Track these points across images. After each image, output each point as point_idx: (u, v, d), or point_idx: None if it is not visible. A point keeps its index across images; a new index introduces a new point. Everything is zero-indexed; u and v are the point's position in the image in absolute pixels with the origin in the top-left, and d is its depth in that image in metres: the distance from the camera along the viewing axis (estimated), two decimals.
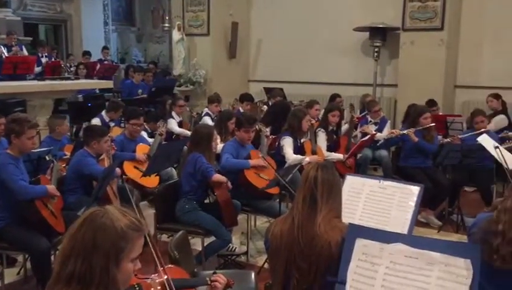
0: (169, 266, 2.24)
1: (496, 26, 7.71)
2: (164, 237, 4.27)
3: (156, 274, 1.86)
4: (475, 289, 1.70)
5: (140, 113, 5.32)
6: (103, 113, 6.37)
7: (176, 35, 9.53)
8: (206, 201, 4.35)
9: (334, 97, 7.49)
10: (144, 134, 5.71)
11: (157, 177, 4.92)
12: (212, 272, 2.08)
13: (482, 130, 5.22)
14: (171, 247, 2.72)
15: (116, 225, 1.50)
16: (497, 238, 2.10)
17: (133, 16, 15.50)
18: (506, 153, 4.32)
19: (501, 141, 5.35)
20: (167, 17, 10.64)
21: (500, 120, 6.53)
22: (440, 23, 7.65)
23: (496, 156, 4.35)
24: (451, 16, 7.68)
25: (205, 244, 3.91)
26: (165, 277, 1.78)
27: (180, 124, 6.68)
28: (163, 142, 5.54)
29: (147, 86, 9.18)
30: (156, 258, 1.75)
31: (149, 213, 4.61)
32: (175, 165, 5.43)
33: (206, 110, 6.96)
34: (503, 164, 4.04)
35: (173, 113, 6.71)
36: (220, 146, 4.95)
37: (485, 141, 4.62)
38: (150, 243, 1.66)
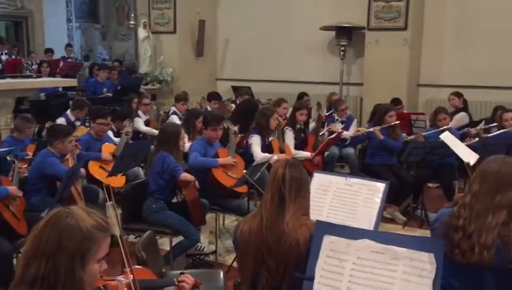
0: (136, 266, 2.21)
1: (456, 26, 7.94)
2: (131, 238, 4.21)
3: (122, 275, 1.84)
4: (438, 283, 1.74)
5: (107, 113, 5.22)
6: (68, 112, 6.22)
7: (142, 33, 9.41)
8: (174, 200, 4.32)
9: (301, 96, 7.55)
10: (110, 133, 5.61)
11: (124, 177, 4.84)
12: (179, 272, 2.07)
13: (444, 127, 5.37)
14: (138, 247, 2.68)
15: (81, 225, 1.47)
16: (458, 233, 2.16)
17: (97, 12, 15.17)
18: (465, 151, 4.47)
19: (462, 137, 5.51)
20: (132, 15, 10.49)
21: (461, 118, 6.73)
22: (404, 23, 7.81)
23: (458, 153, 4.49)
24: (414, 16, 7.85)
25: (173, 244, 3.88)
26: (131, 277, 1.76)
27: (146, 123, 6.61)
28: (130, 142, 5.46)
29: (112, 84, 9.03)
30: (125, 259, 1.72)
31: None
32: (142, 165, 5.37)
33: (173, 108, 6.90)
34: (464, 159, 4.17)
35: (139, 112, 6.63)
36: (187, 145, 4.91)
37: (447, 138, 4.74)
38: (120, 243, 1.63)
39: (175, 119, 6.42)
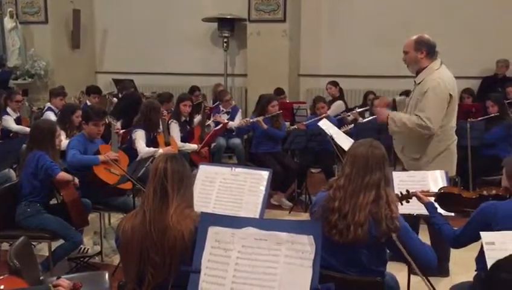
0: (5, 276, 2.02)
1: (330, 19, 8.39)
2: (5, 246, 3.86)
3: None
4: (318, 262, 1.83)
5: None
6: None
7: (9, 23, 8.64)
8: (53, 202, 4.04)
9: (193, 90, 7.46)
10: None
11: None
12: (55, 277, 1.93)
13: (323, 115, 5.67)
14: (10, 255, 2.46)
15: None
16: (335, 214, 2.29)
17: None
18: (341, 137, 4.78)
19: (339, 123, 5.87)
20: None
21: (338, 106, 7.15)
22: (282, 16, 8.07)
23: (331, 140, 4.79)
24: (292, 9, 8.14)
25: (53, 248, 3.64)
26: None
27: (18, 121, 6.09)
28: None
29: None
30: None
31: None
32: (14, 166, 4.95)
33: (48, 104, 6.44)
34: (340, 144, 4.45)
35: (8, 109, 6.08)
36: (65, 142, 4.62)
37: (325, 125, 5.02)
38: None
39: (50, 116, 5.98)
